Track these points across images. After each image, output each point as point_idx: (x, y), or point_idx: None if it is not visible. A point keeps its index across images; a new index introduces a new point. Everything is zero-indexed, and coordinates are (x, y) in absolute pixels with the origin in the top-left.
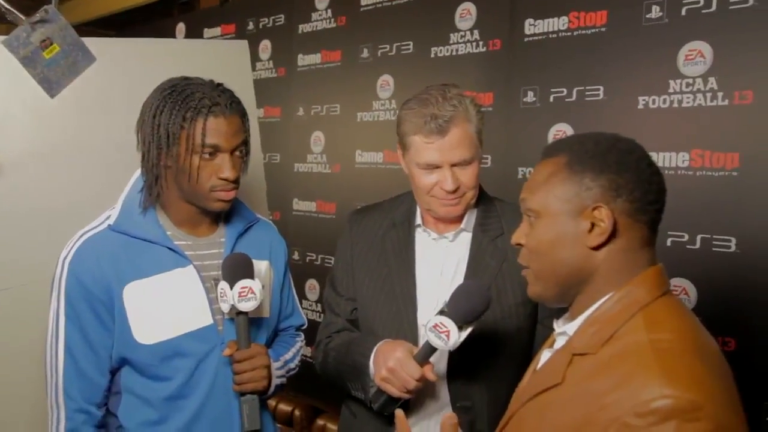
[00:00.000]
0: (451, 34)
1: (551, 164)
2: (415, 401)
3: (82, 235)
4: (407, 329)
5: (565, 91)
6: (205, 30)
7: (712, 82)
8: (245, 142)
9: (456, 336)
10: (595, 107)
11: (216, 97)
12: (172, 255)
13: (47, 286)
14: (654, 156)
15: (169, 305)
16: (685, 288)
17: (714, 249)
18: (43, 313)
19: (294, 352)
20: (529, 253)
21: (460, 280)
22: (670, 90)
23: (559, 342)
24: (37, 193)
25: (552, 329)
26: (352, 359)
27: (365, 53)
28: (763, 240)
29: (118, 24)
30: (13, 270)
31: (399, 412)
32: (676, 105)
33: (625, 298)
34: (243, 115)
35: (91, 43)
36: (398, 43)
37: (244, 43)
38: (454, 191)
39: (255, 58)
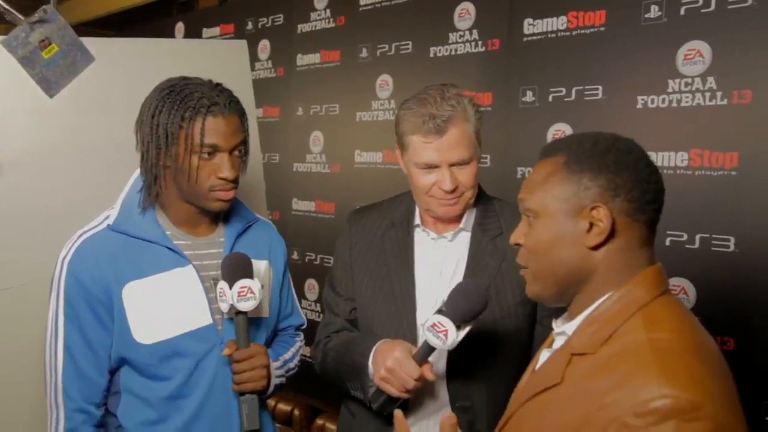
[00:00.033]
0: (450, 34)
1: (549, 164)
2: (414, 401)
3: (81, 235)
4: (406, 329)
5: (564, 90)
6: (204, 30)
7: (711, 82)
8: (244, 142)
9: (454, 335)
10: (594, 107)
11: (215, 97)
12: (172, 255)
13: (47, 286)
14: (653, 155)
15: (169, 305)
16: (684, 287)
17: (713, 249)
18: (43, 313)
19: (293, 351)
20: (528, 253)
21: (459, 279)
22: (669, 89)
23: (558, 342)
24: (36, 192)
25: (551, 329)
26: (351, 359)
27: (364, 53)
28: (762, 239)
29: (117, 24)
30: (12, 270)
31: (398, 412)
32: (675, 104)
33: (624, 298)
34: (242, 114)
35: (90, 42)
36: (397, 43)
37: (243, 43)
38: (453, 191)
39: (254, 57)
